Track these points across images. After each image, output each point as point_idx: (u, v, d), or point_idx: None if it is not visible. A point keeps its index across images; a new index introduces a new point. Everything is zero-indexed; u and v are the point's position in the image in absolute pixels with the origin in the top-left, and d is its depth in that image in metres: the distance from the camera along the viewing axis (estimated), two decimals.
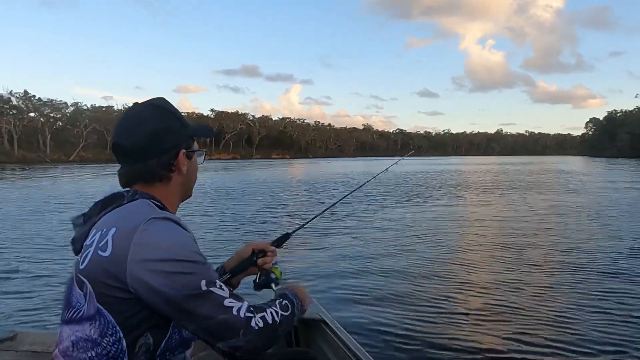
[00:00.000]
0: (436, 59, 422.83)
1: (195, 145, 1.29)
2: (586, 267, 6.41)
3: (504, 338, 3.96)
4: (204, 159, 1.34)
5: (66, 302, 1.10)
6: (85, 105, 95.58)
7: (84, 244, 1.11)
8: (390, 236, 9.16)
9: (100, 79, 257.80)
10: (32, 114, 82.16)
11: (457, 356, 3.63)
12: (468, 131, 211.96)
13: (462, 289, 5.41)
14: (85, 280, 1.05)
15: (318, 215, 2.01)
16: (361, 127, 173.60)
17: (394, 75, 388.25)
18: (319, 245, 8.02)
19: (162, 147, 1.18)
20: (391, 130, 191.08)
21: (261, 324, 1.08)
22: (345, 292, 5.28)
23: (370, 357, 1.72)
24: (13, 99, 79.88)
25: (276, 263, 1.54)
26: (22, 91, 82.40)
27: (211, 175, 33.33)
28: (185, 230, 1.11)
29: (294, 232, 1.72)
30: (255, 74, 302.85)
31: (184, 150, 1.22)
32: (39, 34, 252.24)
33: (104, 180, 28.30)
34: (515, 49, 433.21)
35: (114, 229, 1.06)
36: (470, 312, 4.61)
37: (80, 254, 1.10)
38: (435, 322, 4.32)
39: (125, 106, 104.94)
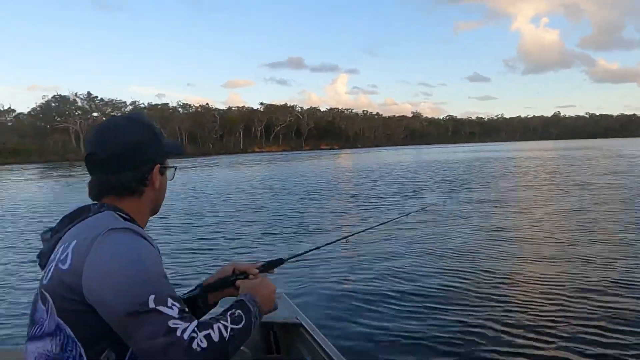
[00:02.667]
0: (487, 41, 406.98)
1: (167, 162, 1.29)
2: None
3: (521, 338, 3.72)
4: (174, 176, 1.33)
5: (31, 319, 1.09)
6: (143, 103, 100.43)
7: (49, 259, 1.10)
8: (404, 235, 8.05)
9: (154, 77, 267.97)
10: (95, 114, 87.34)
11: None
12: (523, 115, 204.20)
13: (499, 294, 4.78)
14: (47, 295, 1.05)
15: (328, 244, 1.97)
16: (410, 115, 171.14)
17: (442, 61, 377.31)
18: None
19: (138, 160, 1.18)
20: (441, 117, 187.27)
21: (204, 345, 1.01)
22: (328, 296, 5.00)
23: None
24: (78, 100, 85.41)
25: None
26: (85, 93, 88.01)
27: (258, 168, 34.35)
28: (148, 242, 1.10)
29: (289, 258, 1.61)
30: (300, 66, 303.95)
31: (158, 165, 1.22)
32: (96, 36, 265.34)
33: None
34: (572, 27, 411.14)
35: (74, 242, 1.05)
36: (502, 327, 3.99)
37: (45, 269, 1.11)
38: (423, 325, 4.07)
39: (179, 103, 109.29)
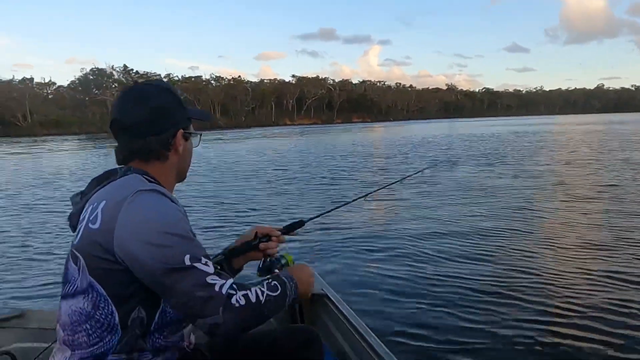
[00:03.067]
0: (527, 10, 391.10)
1: (191, 128, 1.31)
2: None
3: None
4: (199, 142, 1.35)
5: (64, 278, 1.13)
6: (177, 76, 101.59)
7: (80, 219, 1.14)
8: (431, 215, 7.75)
9: (187, 50, 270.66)
10: None
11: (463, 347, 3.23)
12: (563, 88, 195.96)
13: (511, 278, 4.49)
14: (78, 254, 1.08)
15: (341, 206, 2.05)
16: (444, 87, 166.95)
17: (479, 31, 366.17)
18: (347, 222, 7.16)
19: (162, 125, 1.20)
20: (477, 90, 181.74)
21: (243, 302, 1.04)
22: (355, 272, 4.92)
23: (373, 334, 1.72)
24: (114, 73, 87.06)
25: (281, 251, 1.49)
26: (122, 66, 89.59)
27: (289, 141, 34.43)
28: (175, 203, 1.12)
29: (309, 219, 1.66)
30: (332, 37, 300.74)
31: (182, 130, 1.25)
32: (131, 9, 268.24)
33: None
34: None
35: (103, 202, 1.08)
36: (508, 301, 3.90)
37: (75, 230, 1.15)
38: (452, 313, 3.77)
39: (212, 75, 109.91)
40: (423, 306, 3.93)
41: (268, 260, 1.45)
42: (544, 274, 4.57)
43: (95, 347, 1.06)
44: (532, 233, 6.26)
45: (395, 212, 8.12)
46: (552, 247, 5.48)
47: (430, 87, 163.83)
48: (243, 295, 1.05)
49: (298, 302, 2.15)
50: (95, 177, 1.21)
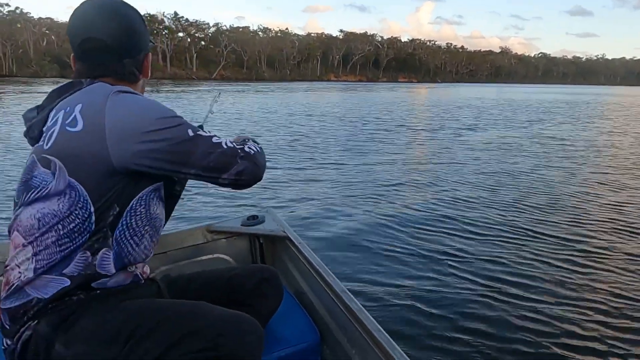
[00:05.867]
0: None
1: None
2: None
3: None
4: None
5: (25, 187, 1.09)
6: (225, 25, 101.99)
7: (45, 128, 1.11)
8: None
9: (233, 0, 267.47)
10: (180, 34, 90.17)
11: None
12: (628, 57, 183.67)
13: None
14: (52, 157, 1.05)
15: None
16: (498, 50, 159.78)
17: None
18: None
19: (139, 47, 1.21)
20: (532, 54, 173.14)
21: (253, 150, 1.14)
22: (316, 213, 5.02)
23: (332, 274, 1.71)
24: (165, 19, 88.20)
25: None
26: (172, 12, 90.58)
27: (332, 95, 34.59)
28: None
29: (204, 121, 1.67)
30: None
31: (149, 53, 1.27)
32: None
33: (245, 96, 31.16)
34: None
35: (79, 105, 1.07)
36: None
37: (41, 138, 1.11)
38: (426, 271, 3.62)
39: (260, 27, 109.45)
40: (390, 255, 3.92)
41: None
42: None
43: (64, 246, 1.06)
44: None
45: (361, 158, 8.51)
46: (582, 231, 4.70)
47: (482, 50, 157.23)
48: (248, 147, 1.15)
49: (259, 242, 2.19)
50: (54, 89, 1.17)
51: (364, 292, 3.20)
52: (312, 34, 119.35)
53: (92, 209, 1.05)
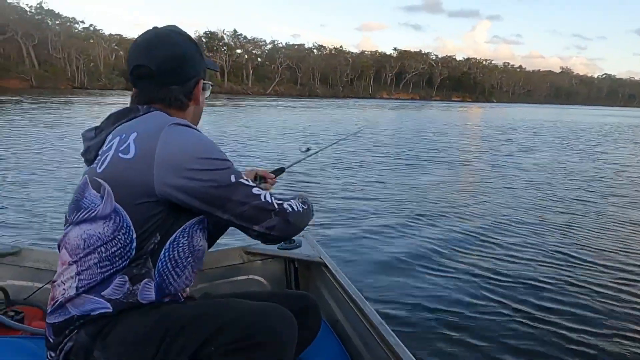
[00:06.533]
0: None
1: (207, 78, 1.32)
2: None
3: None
4: (209, 93, 1.36)
5: (75, 206, 1.13)
6: (281, 42, 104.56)
7: (100, 152, 1.15)
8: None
9: (290, 18, 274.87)
10: (238, 51, 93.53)
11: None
12: None
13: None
14: (103, 181, 1.08)
15: (312, 154, 2.01)
16: (558, 70, 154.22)
17: (604, 9, 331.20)
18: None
19: (187, 74, 1.22)
20: (595, 75, 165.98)
21: (290, 209, 1.18)
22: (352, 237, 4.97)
23: (367, 303, 1.69)
24: (225, 36, 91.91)
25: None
26: (232, 30, 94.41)
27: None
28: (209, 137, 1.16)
29: (288, 167, 1.81)
30: (437, 10, 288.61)
31: (201, 80, 1.27)
32: None
33: (295, 111, 31.80)
34: None
35: (134, 134, 1.09)
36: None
37: (96, 161, 1.14)
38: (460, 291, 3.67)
39: (315, 44, 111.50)
40: (427, 280, 3.89)
41: None
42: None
43: (105, 269, 1.09)
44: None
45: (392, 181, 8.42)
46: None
47: (542, 70, 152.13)
48: (289, 205, 1.20)
49: (295, 267, 2.19)
50: (112, 113, 1.21)
51: (400, 320, 3.16)
52: (366, 52, 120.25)
53: (134, 236, 1.09)
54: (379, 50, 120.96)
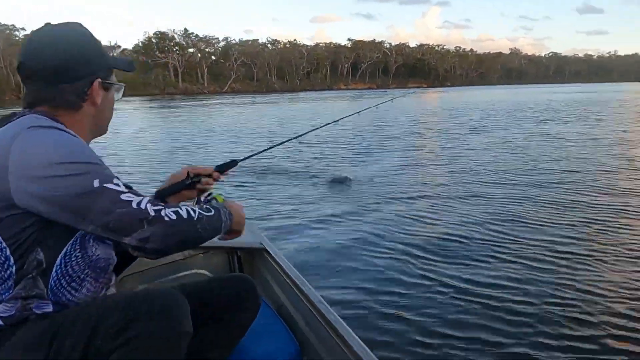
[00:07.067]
0: None
1: (114, 78, 1.22)
2: None
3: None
4: (122, 94, 1.27)
5: None
6: (234, 39, 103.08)
7: None
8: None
9: (241, 13, 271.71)
10: (190, 50, 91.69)
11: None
12: None
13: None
14: None
15: (273, 146, 1.97)
16: (507, 52, 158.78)
17: None
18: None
19: (76, 72, 1.12)
20: (543, 54, 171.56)
21: (173, 217, 1.02)
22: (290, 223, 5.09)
23: (310, 286, 1.70)
24: (176, 36, 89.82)
25: (213, 192, 1.43)
26: (182, 29, 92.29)
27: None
28: (79, 139, 1.05)
29: (242, 160, 1.62)
30: None
31: (99, 80, 1.16)
32: None
33: (254, 109, 31.65)
34: None
35: None
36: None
37: None
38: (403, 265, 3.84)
39: (268, 39, 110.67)
40: (369, 266, 3.92)
41: (201, 199, 1.41)
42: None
43: None
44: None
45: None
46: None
47: (492, 52, 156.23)
48: (173, 211, 1.04)
49: (237, 256, 2.17)
50: None
51: (342, 303, 3.21)
52: (321, 44, 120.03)
53: (8, 252, 1.00)
54: (334, 42, 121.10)
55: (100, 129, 1.24)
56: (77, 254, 1.09)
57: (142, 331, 1.02)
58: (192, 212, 1.08)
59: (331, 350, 1.50)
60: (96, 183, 0.97)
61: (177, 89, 79.72)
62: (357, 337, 1.41)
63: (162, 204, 1.05)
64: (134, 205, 0.99)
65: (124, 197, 0.99)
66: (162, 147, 12.62)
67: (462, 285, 3.51)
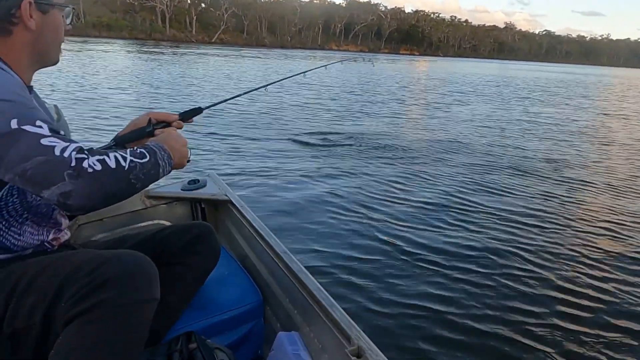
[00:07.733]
0: None
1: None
2: None
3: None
4: (72, 19, 1.15)
5: None
6: None
7: None
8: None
9: None
10: None
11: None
12: (633, 38, 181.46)
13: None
14: None
15: (238, 95, 1.82)
16: (502, 26, 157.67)
17: None
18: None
19: None
20: (536, 32, 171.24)
21: (98, 167, 0.88)
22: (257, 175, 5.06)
23: (274, 236, 1.70)
24: None
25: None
26: None
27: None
28: (9, 74, 0.96)
29: (207, 107, 1.52)
30: None
31: (30, 0, 1.01)
32: None
33: (241, 60, 31.04)
34: None
35: None
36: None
37: None
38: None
39: None
40: (334, 221, 3.92)
41: None
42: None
43: None
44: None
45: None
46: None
47: (487, 25, 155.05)
48: (98, 160, 0.89)
49: (201, 207, 2.12)
50: None
51: (306, 257, 3.19)
52: (315, 1, 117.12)
53: None
54: (328, 0, 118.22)
55: (44, 58, 1.10)
56: (15, 200, 1.03)
57: (109, 296, 0.93)
58: (122, 161, 0.93)
59: (293, 297, 1.50)
60: (14, 124, 0.84)
61: (164, 35, 77.21)
62: (319, 285, 1.39)
63: (87, 152, 0.90)
64: (57, 152, 0.85)
65: (44, 141, 0.85)
66: (130, 93, 11.87)
67: (421, 251, 3.48)
